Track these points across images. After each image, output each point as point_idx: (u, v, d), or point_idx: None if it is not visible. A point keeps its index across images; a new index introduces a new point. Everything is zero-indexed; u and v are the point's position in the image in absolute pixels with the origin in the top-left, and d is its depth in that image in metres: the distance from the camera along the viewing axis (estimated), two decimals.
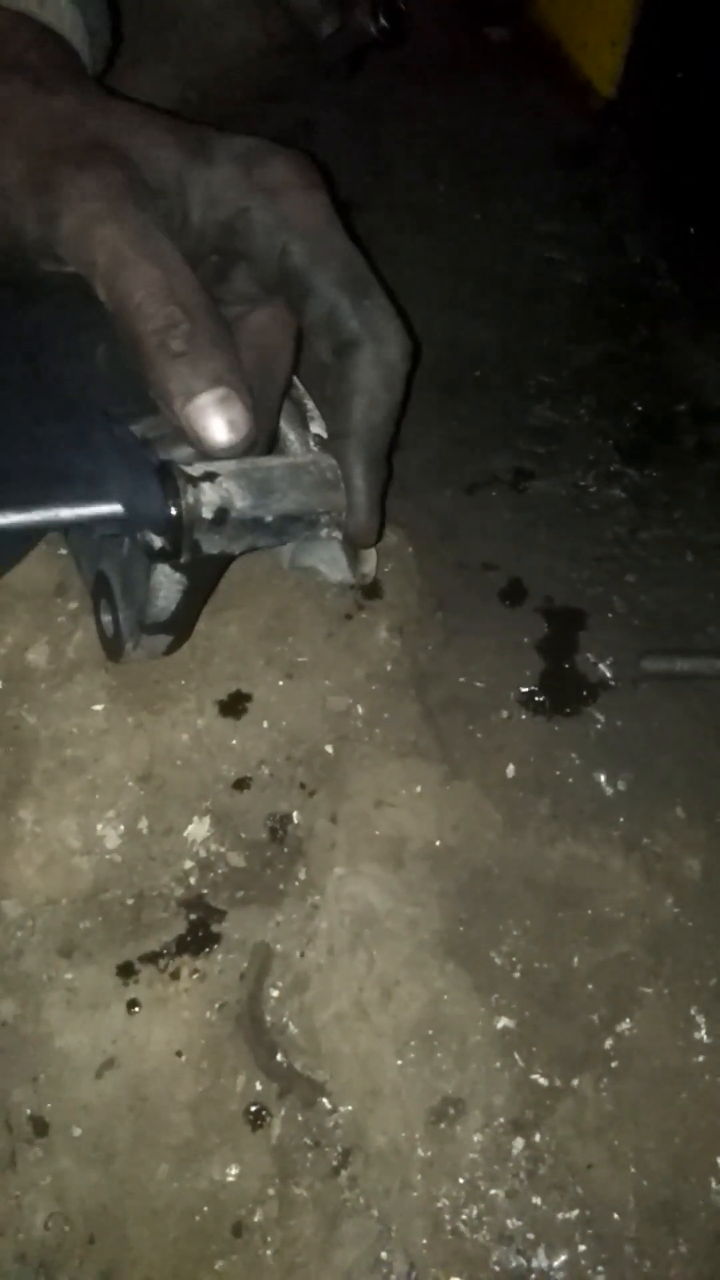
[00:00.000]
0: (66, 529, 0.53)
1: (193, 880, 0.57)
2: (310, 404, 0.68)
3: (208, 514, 0.49)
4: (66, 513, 0.47)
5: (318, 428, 0.67)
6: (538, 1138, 0.51)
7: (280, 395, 0.61)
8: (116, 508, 0.48)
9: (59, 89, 0.51)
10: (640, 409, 0.80)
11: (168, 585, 0.54)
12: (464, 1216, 0.49)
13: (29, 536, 0.65)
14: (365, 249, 0.54)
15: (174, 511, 0.48)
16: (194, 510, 0.48)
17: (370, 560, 0.67)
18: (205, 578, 0.57)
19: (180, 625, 0.59)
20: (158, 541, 0.51)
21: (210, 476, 0.49)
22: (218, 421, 0.47)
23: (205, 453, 0.49)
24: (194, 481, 0.49)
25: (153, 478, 0.49)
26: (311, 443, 0.65)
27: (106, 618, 0.60)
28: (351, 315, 0.51)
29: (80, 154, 0.48)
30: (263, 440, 0.51)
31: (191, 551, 0.50)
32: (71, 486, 0.48)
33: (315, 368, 0.57)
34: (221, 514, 0.49)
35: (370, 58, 1.03)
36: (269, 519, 0.51)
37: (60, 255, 0.49)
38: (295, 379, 0.69)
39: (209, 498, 0.49)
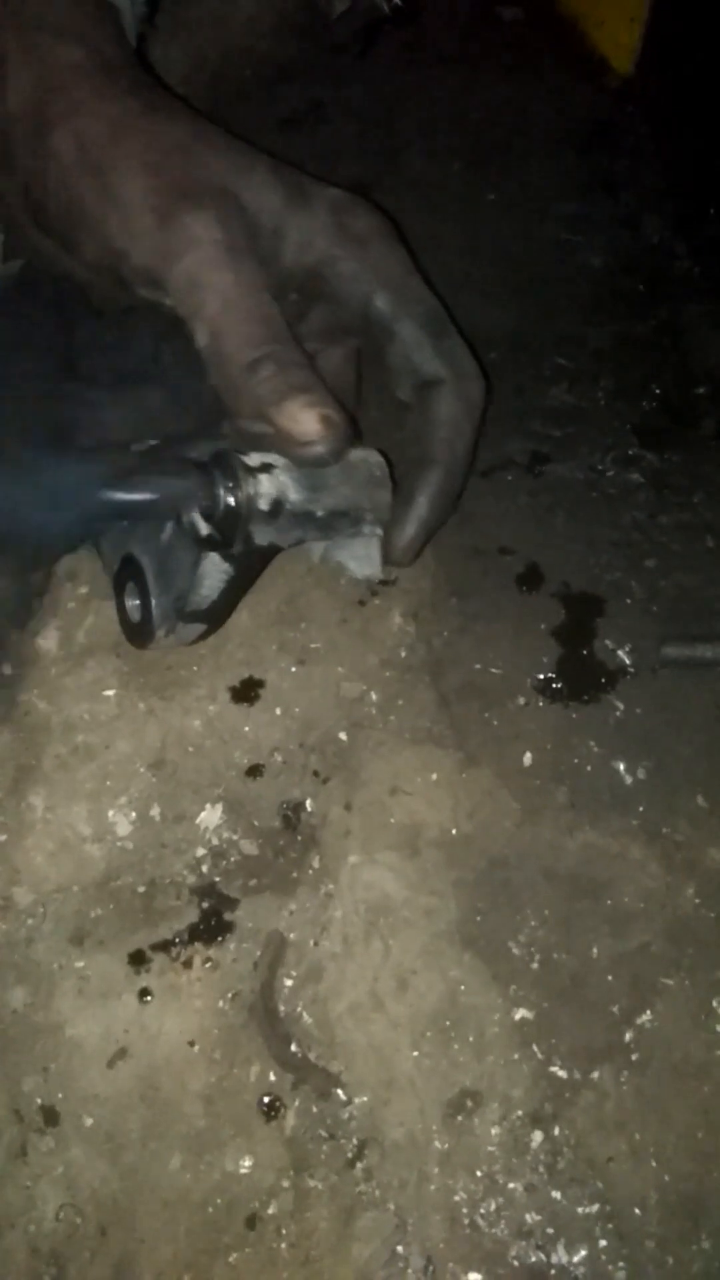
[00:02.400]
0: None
1: (205, 868, 0.57)
2: None
3: (264, 505, 0.49)
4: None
5: None
6: (557, 1131, 0.50)
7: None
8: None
9: (168, 113, 0.53)
10: (659, 392, 0.79)
11: (214, 574, 0.54)
12: (482, 1210, 0.48)
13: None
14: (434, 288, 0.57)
15: (232, 501, 0.48)
16: (251, 501, 0.48)
17: None
18: (251, 569, 0.57)
19: (218, 615, 0.58)
20: (205, 529, 0.51)
21: (267, 468, 0.49)
22: (309, 416, 0.48)
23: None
24: (252, 473, 0.49)
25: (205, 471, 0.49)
26: None
27: (133, 602, 0.59)
28: (434, 356, 0.55)
29: (202, 196, 0.49)
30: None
31: (245, 542, 0.49)
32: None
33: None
34: (276, 506, 0.49)
35: (382, 37, 1.02)
36: (320, 513, 0.51)
37: (164, 288, 0.50)
38: None
39: (265, 489, 0.49)
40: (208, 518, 0.50)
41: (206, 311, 0.48)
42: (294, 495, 0.50)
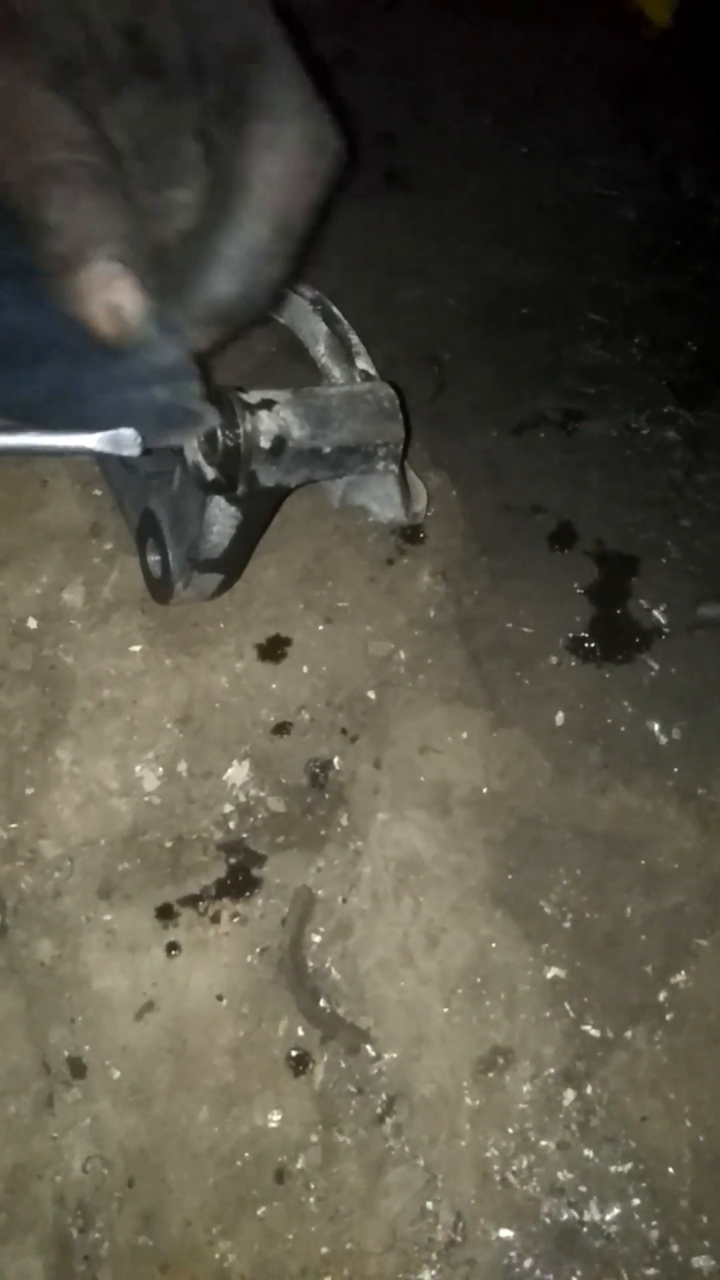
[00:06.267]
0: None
1: (232, 824, 0.56)
2: (355, 339, 0.65)
3: (265, 443, 0.47)
4: (42, 441, 0.43)
5: (364, 363, 0.64)
6: (589, 1089, 0.49)
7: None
8: (90, 442, 0.43)
9: None
10: (695, 349, 0.77)
11: (222, 519, 0.52)
12: (514, 1167, 0.48)
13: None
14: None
15: (230, 441, 0.47)
16: (251, 439, 0.47)
17: (423, 498, 0.65)
18: (260, 512, 0.55)
19: (232, 564, 0.57)
20: (211, 473, 0.50)
21: (267, 404, 0.48)
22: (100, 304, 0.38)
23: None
24: (251, 409, 0.47)
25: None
26: (357, 377, 0.63)
27: (154, 558, 0.59)
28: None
29: None
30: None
31: (248, 483, 0.48)
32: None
33: None
34: (279, 444, 0.47)
35: None
36: (326, 450, 0.49)
37: None
38: (342, 317, 0.67)
39: (266, 426, 0.47)
40: (210, 460, 0.49)
41: None
42: (297, 431, 0.48)
